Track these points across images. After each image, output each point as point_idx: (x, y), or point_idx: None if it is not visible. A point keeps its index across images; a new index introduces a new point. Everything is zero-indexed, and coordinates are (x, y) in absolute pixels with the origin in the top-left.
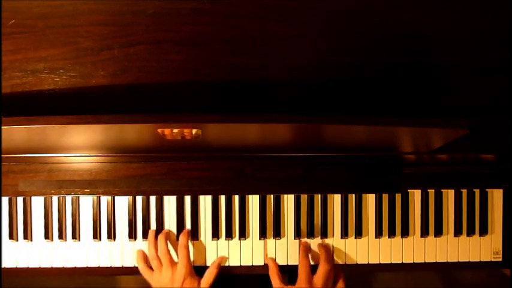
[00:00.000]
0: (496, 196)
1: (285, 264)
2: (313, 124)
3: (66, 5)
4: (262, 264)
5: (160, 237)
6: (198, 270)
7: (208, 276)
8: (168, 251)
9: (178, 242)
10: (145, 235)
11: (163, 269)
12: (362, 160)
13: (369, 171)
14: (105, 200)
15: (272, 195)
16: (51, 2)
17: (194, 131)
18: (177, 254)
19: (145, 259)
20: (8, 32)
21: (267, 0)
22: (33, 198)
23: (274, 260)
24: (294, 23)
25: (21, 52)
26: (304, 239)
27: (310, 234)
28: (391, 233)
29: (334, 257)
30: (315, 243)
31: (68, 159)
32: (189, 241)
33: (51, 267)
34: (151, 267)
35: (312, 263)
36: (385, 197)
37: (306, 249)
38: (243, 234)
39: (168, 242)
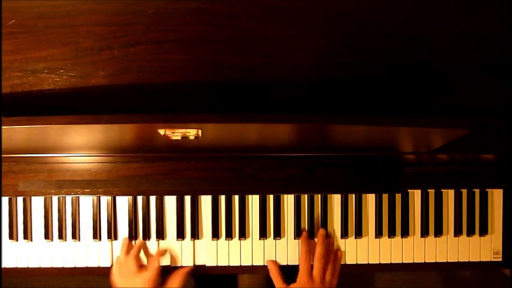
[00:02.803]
0: (496, 196)
1: (285, 264)
2: (313, 124)
3: (66, 5)
4: (263, 264)
5: (136, 244)
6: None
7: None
8: (138, 257)
9: (177, 243)
10: (145, 235)
11: (131, 274)
12: (362, 160)
13: (369, 171)
14: (105, 200)
15: (272, 195)
16: (51, 2)
17: (194, 131)
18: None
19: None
20: (8, 32)
21: (267, 0)
22: (33, 198)
23: (274, 261)
24: (294, 23)
25: (21, 52)
26: (305, 232)
27: (310, 234)
28: (391, 233)
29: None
30: (314, 243)
31: (68, 159)
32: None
33: (51, 267)
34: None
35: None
36: (385, 197)
37: (308, 245)
38: (243, 234)
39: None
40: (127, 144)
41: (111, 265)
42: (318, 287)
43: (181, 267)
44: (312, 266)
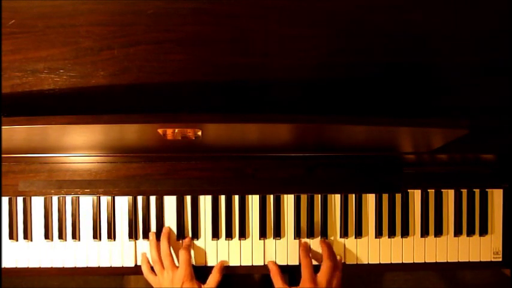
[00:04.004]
0: (496, 196)
1: (285, 264)
2: (313, 124)
3: (66, 5)
4: (262, 264)
5: (163, 238)
6: (198, 270)
7: (212, 281)
8: (171, 253)
9: (178, 243)
10: (145, 235)
11: (165, 272)
12: (362, 160)
13: (369, 171)
14: (105, 200)
15: (272, 195)
16: (51, 2)
17: (194, 131)
18: (177, 256)
19: (149, 262)
20: (8, 32)
21: (267, 0)
22: (33, 198)
23: (274, 262)
24: (294, 23)
25: (21, 52)
26: (304, 240)
27: (310, 234)
28: (391, 233)
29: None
30: (315, 243)
31: (68, 159)
32: (190, 243)
33: (51, 267)
34: (154, 270)
35: (313, 262)
36: (385, 197)
37: (306, 249)
38: (243, 234)
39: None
40: (127, 144)
41: (111, 265)
42: None
43: None
44: (313, 270)
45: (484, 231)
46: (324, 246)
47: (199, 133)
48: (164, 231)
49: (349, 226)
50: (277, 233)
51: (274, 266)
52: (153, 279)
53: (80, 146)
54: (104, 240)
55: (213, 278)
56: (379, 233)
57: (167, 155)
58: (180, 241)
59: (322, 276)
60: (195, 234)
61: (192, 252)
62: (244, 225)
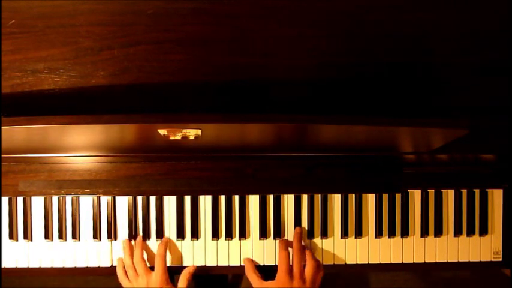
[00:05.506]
0: (496, 196)
1: None
2: (313, 124)
3: (66, 5)
4: (262, 264)
5: (136, 245)
6: (199, 271)
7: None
8: (143, 259)
9: (178, 243)
10: (145, 235)
11: (139, 278)
12: (362, 160)
13: (369, 171)
14: (105, 200)
15: (272, 195)
16: (51, 2)
17: (194, 131)
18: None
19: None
20: (8, 32)
21: (267, 0)
22: (33, 198)
23: (250, 260)
24: (294, 23)
25: (21, 52)
26: (304, 240)
27: (310, 234)
28: (391, 233)
29: (334, 257)
30: (315, 243)
31: (68, 159)
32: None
33: (51, 267)
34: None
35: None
36: (385, 197)
37: (285, 243)
38: (243, 234)
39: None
40: (127, 144)
41: (111, 265)
42: (298, 286)
43: (183, 267)
44: (289, 260)
45: (484, 231)
46: (295, 238)
47: (199, 133)
48: (138, 240)
49: (349, 226)
50: (277, 233)
51: (249, 264)
52: (127, 284)
53: (79, 146)
54: (104, 240)
55: (180, 283)
56: (379, 233)
57: (167, 155)
58: (180, 241)
59: (296, 269)
60: (195, 234)
61: (192, 252)
62: (244, 225)
